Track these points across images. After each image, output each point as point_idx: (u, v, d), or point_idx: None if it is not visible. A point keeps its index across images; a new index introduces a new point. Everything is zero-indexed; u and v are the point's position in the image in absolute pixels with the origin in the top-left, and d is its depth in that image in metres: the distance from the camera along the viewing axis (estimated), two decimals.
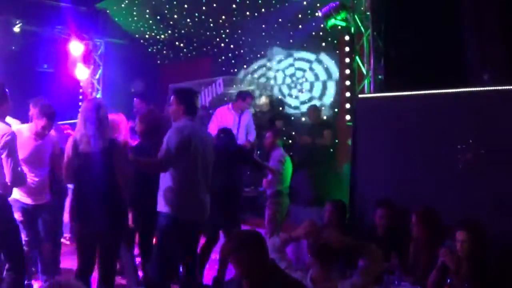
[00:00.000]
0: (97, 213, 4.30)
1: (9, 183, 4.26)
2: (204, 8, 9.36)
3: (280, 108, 9.62)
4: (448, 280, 4.06)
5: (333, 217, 5.23)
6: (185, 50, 11.16)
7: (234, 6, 9.09)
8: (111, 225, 4.37)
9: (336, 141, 8.20)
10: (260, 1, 8.88)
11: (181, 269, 4.91)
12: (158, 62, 11.94)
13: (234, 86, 10.70)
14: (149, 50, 11.32)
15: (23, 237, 4.81)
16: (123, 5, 9.96)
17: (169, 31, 10.47)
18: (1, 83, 4.47)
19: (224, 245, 3.01)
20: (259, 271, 2.92)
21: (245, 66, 11.15)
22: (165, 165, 4.49)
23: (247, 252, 2.92)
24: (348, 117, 6.92)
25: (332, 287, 3.19)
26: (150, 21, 10.25)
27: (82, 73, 10.36)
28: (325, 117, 8.76)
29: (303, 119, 9.28)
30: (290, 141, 8.99)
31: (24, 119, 5.53)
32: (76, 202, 4.44)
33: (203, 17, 9.68)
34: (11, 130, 4.35)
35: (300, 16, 8.68)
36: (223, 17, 9.54)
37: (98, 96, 10.72)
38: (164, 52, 11.49)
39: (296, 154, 8.31)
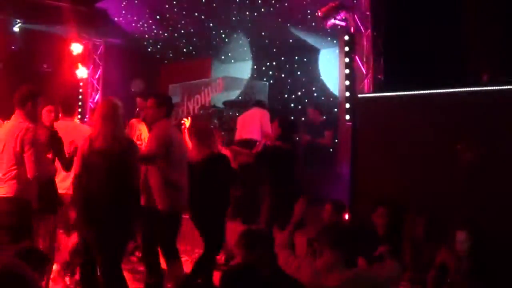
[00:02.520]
0: (107, 213, 4.25)
1: None
2: (204, 8, 9.36)
3: (280, 107, 9.63)
4: (448, 280, 4.07)
5: (333, 217, 5.23)
6: (185, 50, 11.16)
7: (234, 6, 9.08)
8: (120, 226, 4.31)
9: (336, 140, 8.19)
10: (260, 1, 8.87)
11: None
12: (158, 62, 11.94)
13: (233, 86, 10.71)
14: (149, 50, 11.31)
15: None
16: (123, 5, 9.95)
17: (169, 31, 10.47)
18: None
19: (238, 240, 3.04)
20: (266, 270, 2.95)
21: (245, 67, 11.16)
22: (155, 160, 4.81)
23: (258, 249, 2.96)
24: (348, 117, 6.92)
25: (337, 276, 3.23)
26: (150, 21, 10.25)
27: (82, 73, 10.36)
28: (324, 117, 8.75)
29: (303, 118, 9.27)
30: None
31: None
32: (85, 201, 4.33)
33: (203, 17, 9.68)
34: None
35: (300, 16, 8.68)
36: (223, 17, 9.54)
37: (98, 96, 10.73)
38: (164, 52, 11.49)
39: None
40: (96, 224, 4.25)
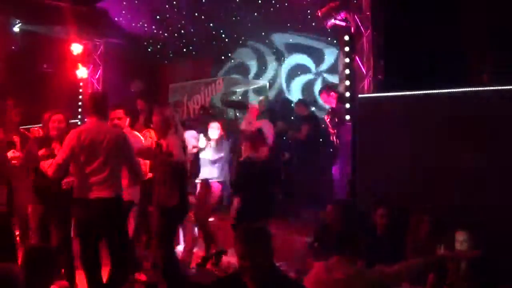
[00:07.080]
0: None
1: None
2: (203, 7, 9.36)
3: (280, 107, 9.61)
4: (448, 280, 4.07)
5: (335, 217, 5.22)
6: (185, 50, 11.16)
7: (234, 6, 9.09)
8: None
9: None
10: (260, 1, 8.88)
11: None
12: (158, 62, 11.93)
13: (234, 86, 10.71)
14: (149, 50, 11.31)
15: None
16: (123, 5, 9.95)
17: (169, 31, 10.47)
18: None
19: (236, 235, 3.04)
20: (263, 268, 2.94)
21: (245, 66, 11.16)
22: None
23: (257, 246, 2.95)
24: (348, 117, 6.92)
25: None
26: (150, 21, 10.24)
27: (82, 73, 10.35)
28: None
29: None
30: (284, 138, 8.93)
31: (25, 119, 5.52)
32: None
33: (203, 17, 9.68)
34: None
35: (300, 16, 8.68)
36: (223, 17, 9.54)
37: None
38: (164, 52, 11.48)
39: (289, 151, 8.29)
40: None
